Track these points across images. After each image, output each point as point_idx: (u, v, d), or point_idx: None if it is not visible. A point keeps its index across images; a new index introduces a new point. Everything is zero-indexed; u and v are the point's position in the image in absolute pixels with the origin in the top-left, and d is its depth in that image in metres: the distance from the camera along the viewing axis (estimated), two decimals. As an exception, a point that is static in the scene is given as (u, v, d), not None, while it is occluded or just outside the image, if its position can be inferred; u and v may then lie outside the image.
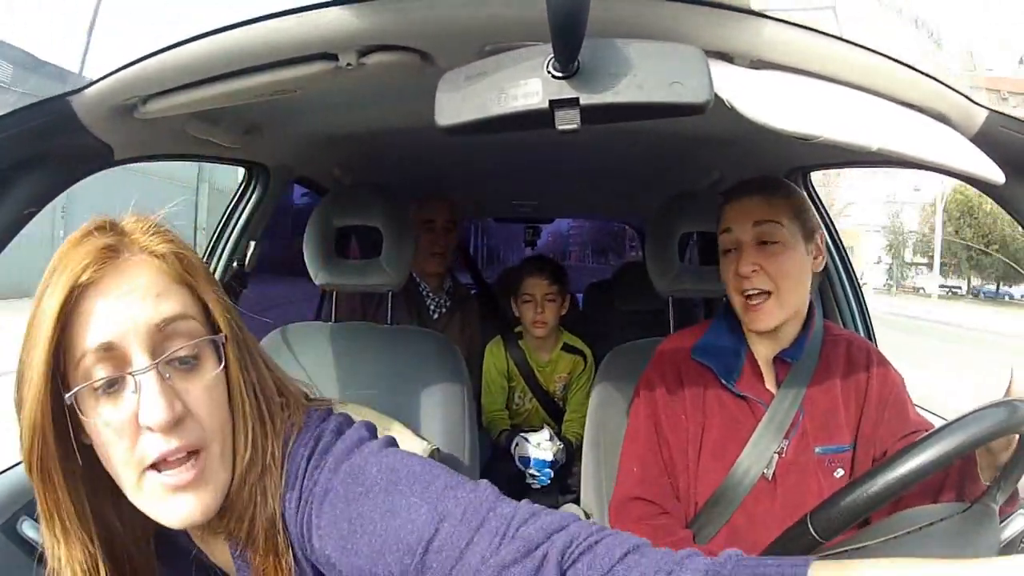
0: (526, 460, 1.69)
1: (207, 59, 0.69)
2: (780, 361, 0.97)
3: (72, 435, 0.48)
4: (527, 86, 0.49)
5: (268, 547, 0.53)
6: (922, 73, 0.64)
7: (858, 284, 1.63)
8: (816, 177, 1.51)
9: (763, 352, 0.99)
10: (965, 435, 0.62)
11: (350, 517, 0.50)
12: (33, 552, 0.91)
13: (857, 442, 0.95)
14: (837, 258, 1.60)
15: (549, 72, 0.49)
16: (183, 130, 0.97)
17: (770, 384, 0.98)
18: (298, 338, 1.26)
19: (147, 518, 0.52)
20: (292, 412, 0.57)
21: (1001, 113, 0.67)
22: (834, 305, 1.57)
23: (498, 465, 1.73)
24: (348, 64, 0.69)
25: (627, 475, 1.02)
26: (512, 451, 1.72)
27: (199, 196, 11.25)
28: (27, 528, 0.90)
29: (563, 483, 1.71)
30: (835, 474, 0.94)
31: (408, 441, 1.09)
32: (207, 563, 0.60)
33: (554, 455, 1.68)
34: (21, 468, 0.94)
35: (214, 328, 0.52)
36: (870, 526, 0.71)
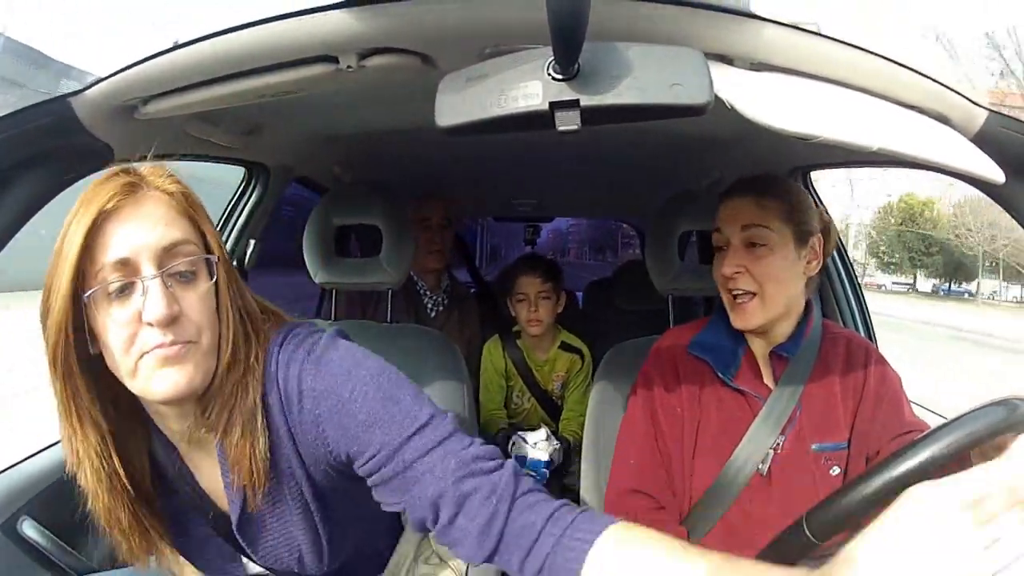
0: (523, 460, 1.69)
1: (208, 61, 0.69)
2: (777, 357, 0.97)
3: (87, 333, 0.59)
4: (527, 88, 0.49)
5: (245, 433, 0.62)
6: (922, 74, 0.64)
7: (858, 284, 1.63)
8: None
9: (759, 348, 1.00)
10: (963, 434, 0.62)
11: (351, 389, 0.62)
12: (33, 552, 0.91)
13: (852, 440, 0.95)
14: (837, 258, 1.61)
15: (549, 74, 0.49)
16: (183, 130, 0.97)
17: (768, 380, 0.98)
18: None
19: (142, 421, 0.66)
20: (274, 325, 0.69)
21: (1001, 114, 0.67)
22: (834, 305, 1.57)
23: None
24: (349, 66, 0.69)
25: (623, 468, 1.03)
26: (509, 450, 1.72)
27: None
28: (27, 528, 0.90)
29: (561, 482, 1.71)
30: (831, 471, 0.94)
31: None
32: (198, 490, 0.71)
33: (550, 455, 1.68)
34: (21, 468, 0.95)
35: (209, 254, 0.64)
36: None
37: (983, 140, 0.66)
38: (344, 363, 0.64)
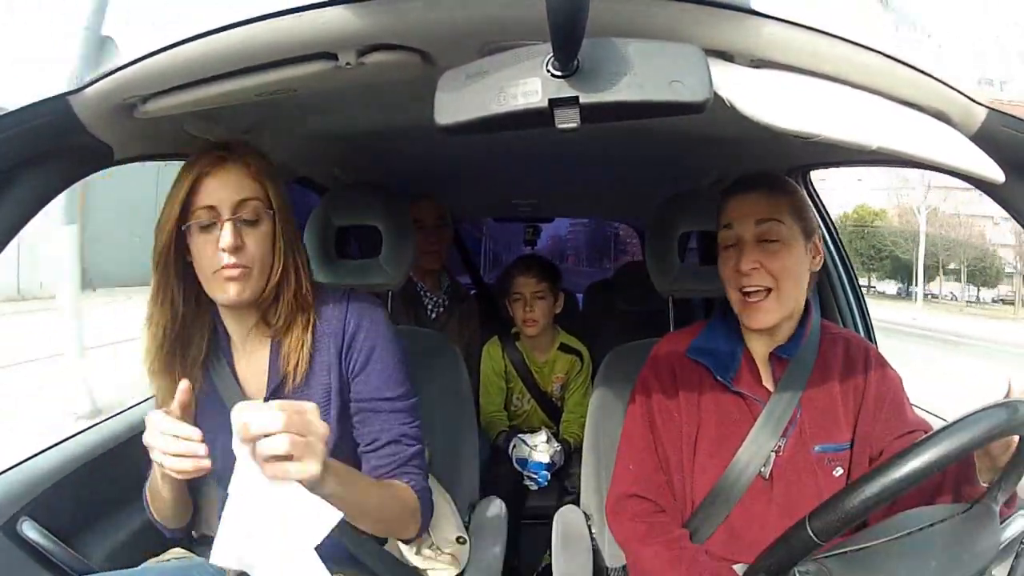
0: (523, 462, 1.69)
1: (207, 59, 0.69)
2: (777, 358, 0.97)
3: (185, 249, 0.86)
4: (527, 85, 0.49)
5: (298, 334, 0.88)
6: (922, 72, 0.64)
7: (858, 285, 1.63)
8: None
9: (759, 350, 0.99)
10: (965, 436, 0.62)
11: (379, 347, 0.92)
12: (33, 552, 0.91)
13: (855, 441, 0.94)
14: (837, 258, 1.60)
15: (549, 71, 0.48)
16: (183, 129, 0.97)
17: (767, 382, 0.97)
18: None
19: (211, 317, 0.91)
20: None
21: (1001, 112, 0.67)
22: (834, 305, 1.57)
23: (497, 466, 1.73)
24: (348, 63, 0.69)
25: (623, 472, 1.02)
26: (510, 453, 1.72)
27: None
28: (27, 528, 0.90)
29: (562, 484, 1.71)
30: (834, 473, 0.94)
31: None
32: (234, 376, 0.92)
33: (551, 457, 1.68)
34: (21, 468, 0.95)
35: (273, 209, 0.87)
36: (871, 527, 0.71)
37: (983, 138, 0.66)
38: (389, 326, 0.95)
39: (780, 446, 0.94)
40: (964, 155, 0.62)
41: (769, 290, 0.92)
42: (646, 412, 1.02)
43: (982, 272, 23.44)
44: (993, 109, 0.66)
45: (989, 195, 0.72)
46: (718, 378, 0.97)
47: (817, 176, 1.56)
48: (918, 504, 0.74)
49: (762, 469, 0.93)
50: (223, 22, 0.64)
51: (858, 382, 0.96)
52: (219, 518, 0.66)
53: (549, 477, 1.68)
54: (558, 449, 1.71)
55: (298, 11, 0.62)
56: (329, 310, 0.91)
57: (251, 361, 0.93)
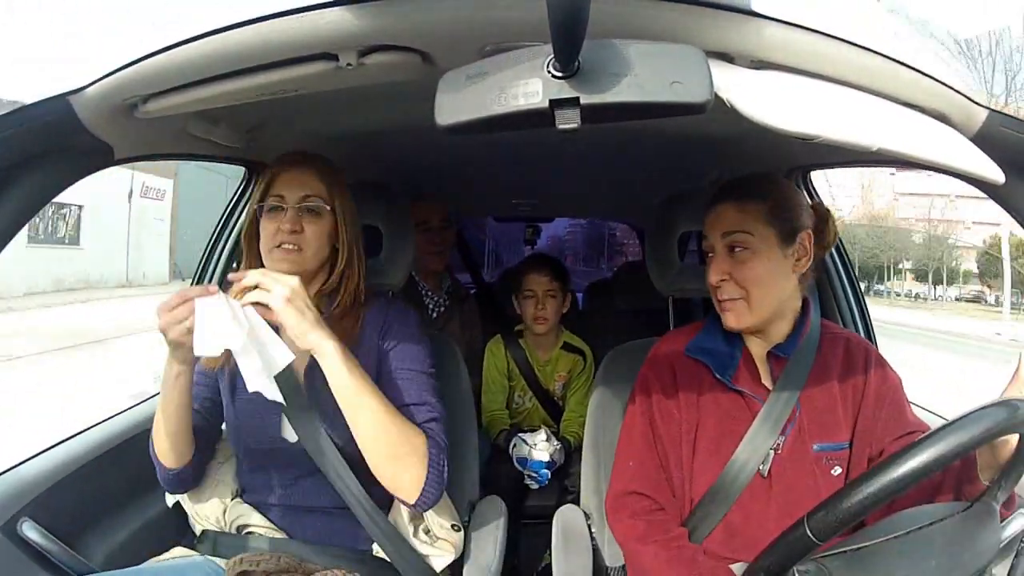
0: (523, 461, 1.69)
1: (207, 59, 0.69)
2: (775, 357, 0.97)
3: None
4: (527, 86, 0.49)
5: (349, 312, 1.03)
6: (922, 73, 0.64)
7: (858, 285, 1.63)
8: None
9: (756, 349, 1.00)
10: (965, 435, 0.62)
11: (407, 353, 1.05)
12: (33, 553, 0.91)
13: (854, 440, 0.95)
14: (836, 259, 1.60)
15: (549, 72, 0.48)
16: (183, 129, 0.97)
17: (766, 380, 0.98)
18: None
19: None
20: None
21: (1001, 113, 0.67)
22: (834, 305, 1.57)
23: (497, 465, 1.73)
24: (348, 64, 0.69)
25: (623, 470, 1.03)
26: (510, 452, 1.72)
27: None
28: (27, 529, 0.90)
29: (562, 483, 1.71)
30: (832, 472, 0.94)
31: None
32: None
33: (551, 456, 1.68)
34: (21, 469, 0.95)
35: (335, 206, 1.02)
36: (871, 526, 0.71)
37: (983, 139, 0.66)
38: (420, 326, 1.11)
39: (779, 444, 0.94)
40: (964, 156, 0.62)
41: (741, 298, 0.95)
42: (646, 410, 1.02)
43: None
44: (993, 110, 0.66)
45: (989, 195, 0.72)
46: (717, 376, 0.98)
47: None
48: (918, 503, 0.74)
49: (761, 467, 0.94)
50: (223, 22, 0.64)
51: (858, 382, 0.96)
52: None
53: (549, 476, 1.68)
54: (558, 448, 1.71)
55: (299, 12, 0.61)
56: (375, 308, 1.07)
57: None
